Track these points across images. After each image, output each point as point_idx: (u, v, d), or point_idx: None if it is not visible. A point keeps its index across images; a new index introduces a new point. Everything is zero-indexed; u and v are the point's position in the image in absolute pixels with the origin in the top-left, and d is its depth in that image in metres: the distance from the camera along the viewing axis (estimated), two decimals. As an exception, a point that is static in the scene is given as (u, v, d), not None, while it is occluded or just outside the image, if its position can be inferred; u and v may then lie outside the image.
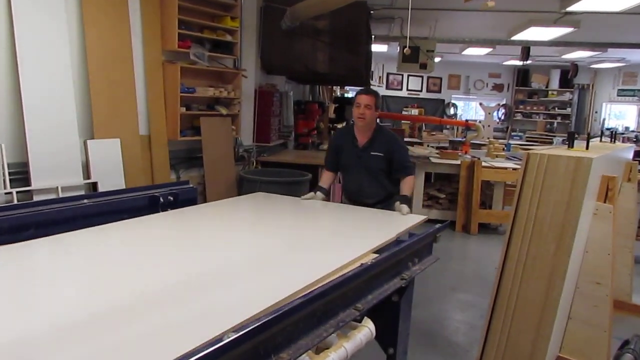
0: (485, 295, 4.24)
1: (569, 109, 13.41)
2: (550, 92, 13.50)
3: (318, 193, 3.12)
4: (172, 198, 2.79)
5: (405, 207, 2.86)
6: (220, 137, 4.93)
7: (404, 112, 12.17)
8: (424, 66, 6.91)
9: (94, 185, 3.61)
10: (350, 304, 1.73)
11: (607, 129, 12.87)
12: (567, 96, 13.36)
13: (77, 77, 3.61)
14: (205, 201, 4.51)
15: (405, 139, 8.93)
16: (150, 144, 4.24)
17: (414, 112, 12.17)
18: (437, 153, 6.96)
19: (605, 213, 2.74)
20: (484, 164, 6.27)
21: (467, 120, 8.34)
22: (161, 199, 2.74)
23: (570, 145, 3.08)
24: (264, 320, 1.23)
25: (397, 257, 2.02)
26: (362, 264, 1.99)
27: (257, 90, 5.77)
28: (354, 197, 3.33)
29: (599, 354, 2.71)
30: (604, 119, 13.27)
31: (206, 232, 2.35)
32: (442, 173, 6.76)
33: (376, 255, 2.16)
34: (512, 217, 2.65)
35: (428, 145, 8.69)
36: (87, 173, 3.61)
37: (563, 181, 2.48)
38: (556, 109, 13.56)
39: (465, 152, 7.05)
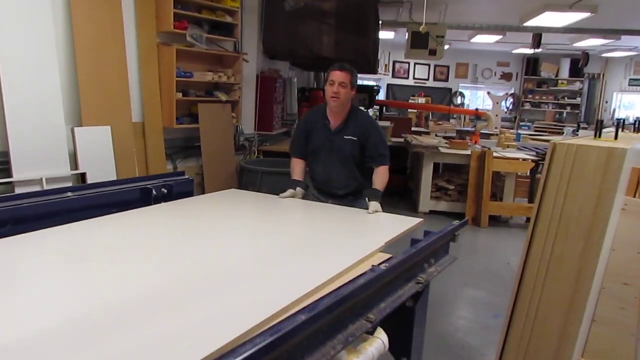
0: (498, 292, 4.11)
1: (578, 99, 13.17)
2: (559, 82, 13.23)
3: (298, 189, 2.80)
4: (165, 190, 2.62)
5: (374, 204, 2.58)
6: (219, 125, 4.71)
7: (410, 101, 11.99)
8: (433, 52, 6.64)
9: (83, 176, 3.40)
10: (361, 315, 1.52)
11: (618, 119, 12.62)
12: (577, 85, 13.12)
13: (63, 59, 3.39)
14: (203, 193, 4.29)
15: (412, 129, 8.75)
16: (144, 131, 4.04)
17: (421, 100, 11.99)
18: (446, 143, 6.75)
19: (635, 208, 2.56)
20: (495, 154, 6.10)
21: (477, 109, 8.13)
22: (154, 192, 2.56)
23: (598, 135, 2.84)
24: (260, 346, 1.01)
25: (412, 260, 1.79)
26: (373, 266, 1.78)
27: (259, 75, 5.58)
28: (323, 187, 3.01)
29: (625, 358, 2.54)
30: (614, 109, 13.04)
31: (179, 233, 2.10)
32: (451, 163, 6.59)
33: (387, 255, 1.96)
34: (535, 212, 2.46)
35: (436, 135, 8.48)
36: (74, 163, 3.40)
37: (593, 174, 2.31)
38: (566, 98, 13.30)
39: (475, 142, 6.92)
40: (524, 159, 6.08)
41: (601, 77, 12.99)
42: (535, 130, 12.08)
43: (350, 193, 2.95)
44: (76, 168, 3.39)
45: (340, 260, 1.73)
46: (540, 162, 6.16)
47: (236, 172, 5.04)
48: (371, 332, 1.62)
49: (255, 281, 1.57)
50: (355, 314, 1.49)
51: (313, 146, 2.93)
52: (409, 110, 10.71)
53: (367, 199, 2.65)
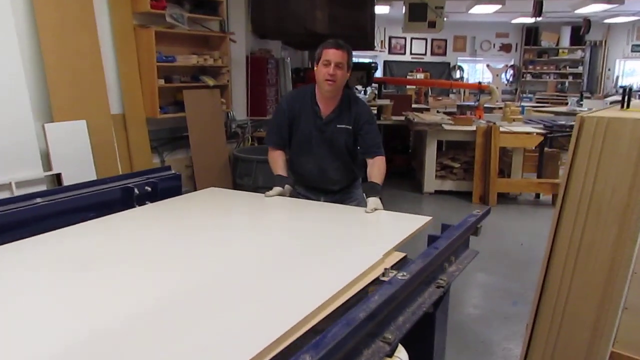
0: (514, 277, 3.87)
1: (580, 68, 12.98)
2: (560, 51, 12.99)
3: (286, 187, 2.43)
4: (149, 188, 2.38)
5: (373, 201, 2.22)
6: (207, 112, 4.44)
7: (408, 77, 11.74)
8: (432, 24, 6.33)
9: (58, 177, 3.11)
10: (376, 335, 1.26)
11: (621, 87, 12.49)
12: (578, 54, 12.91)
13: (27, 49, 3.10)
14: (195, 188, 4.02)
15: (413, 106, 8.49)
16: (126, 124, 3.77)
17: (419, 76, 11.75)
18: (449, 119, 6.48)
19: (674, 187, 2.34)
20: (501, 129, 5.85)
21: (480, 83, 7.81)
22: (136, 191, 2.32)
23: (626, 105, 2.57)
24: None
25: (433, 264, 1.52)
26: (385, 270, 1.53)
27: (249, 56, 5.29)
28: (316, 183, 2.62)
29: (661, 349, 2.36)
30: (617, 77, 12.84)
31: (161, 244, 1.82)
32: (455, 140, 6.38)
33: (399, 254, 1.72)
34: (562, 195, 2.24)
35: (438, 111, 8.20)
36: (48, 164, 3.12)
37: (628, 150, 2.08)
38: (567, 67, 13.10)
39: (480, 117, 6.70)
40: (532, 133, 5.84)
41: (603, 44, 12.76)
42: (537, 102, 11.90)
43: (345, 187, 2.64)
44: (50, 169, 3.11)
45: (343, 273, 1.47)
46: (548, 135, 5.94)
47: (229, 163, 4.77)
48: (390, 355, 1.36)
49: (253, 297, 1.34)
50: (369, 336, 1.23)
51: (300, 137, 2.54)
52: (408, 86, 10.40)
53: (364, 195, 2.32)
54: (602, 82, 12.83)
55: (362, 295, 1.47)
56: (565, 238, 2.23)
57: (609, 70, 12.88)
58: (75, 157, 3.16)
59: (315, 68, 2.43)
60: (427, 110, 8.60)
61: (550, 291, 2.30)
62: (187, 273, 1.49)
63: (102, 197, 2.24)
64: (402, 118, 7.06)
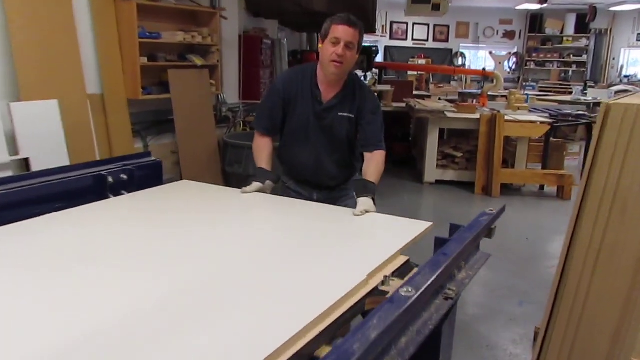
0: (520, 274, 3.66)
1: (584, 56, 12.82)
2: (565, 39, 12.81)
3: (267, 183, 2.12)
4: (125, 177, 2.17)
5: (364, 201, 1.91)
6: (195, 94, 4.17)
7: (410, 63, 11.55)
8: (436, 7, 6.07)
9: (26, 162, 2.87)
10: (376, 361, 1.02)
11: (626, 76, 12.30)
12: (583, 42, 12.76)
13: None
14: (181, 176, 3.77)
15: (413, 92, 8.27)
16: (105, 105, 3.48)
17: (421, 62, 11.58)
18: (452, 107, 6.27)
19: None
20: (506, 117, 5.65)
21: (484, 70, 7.57)
22: (110, 179, 2.11)
23: (653, 91, 2.35)
24: None
25: (444, 275, 1.28)
26: (385, 277, 1.33)
27: (242, 35, 5.01)
28: (307, 177, 2.33)
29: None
30: (622, 66, 12.70)
31: (130, 237, 1.61)
32: (457, 129, 6.18)
33: (402, 258, 1.49)
34: (583, 191, 2.09)
35: (440, 98, 7.98)
36: (14, 147, 2.86)
37: None
38: (571, 56, 12.94)
39: (483, 105, 6.52)
40: (537, 122, 5.64)
41: (608, 32, 12.62)
42: (540, 91, 11.72)
43: (342, 182, 2.36)
44: (16, 153, 2.86)
45: (328, 292, 1.22)
46: (555, 124, 5.73)
47: (218, 149, 4.53)
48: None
49: (234, 312, 1.14)
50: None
51: (296, 124, 2.23)
52: (409, 72, 10.17)
53: (355, 194, 2.02)
54: (607, 72, 12.74)
55: (357, 310, 1.24)
56: (585, 237, 2.04)
57: (614, 59, 12.77)
58: (46, 141, 2.89)
59: (320, 45, 2.12)
60: (429, 97, 8.40)
61: (566, 294, 2.13)
62: (161, 275, 1.31)
63: (71, 185, 2.01)
64: (403, 105, 6.86)
